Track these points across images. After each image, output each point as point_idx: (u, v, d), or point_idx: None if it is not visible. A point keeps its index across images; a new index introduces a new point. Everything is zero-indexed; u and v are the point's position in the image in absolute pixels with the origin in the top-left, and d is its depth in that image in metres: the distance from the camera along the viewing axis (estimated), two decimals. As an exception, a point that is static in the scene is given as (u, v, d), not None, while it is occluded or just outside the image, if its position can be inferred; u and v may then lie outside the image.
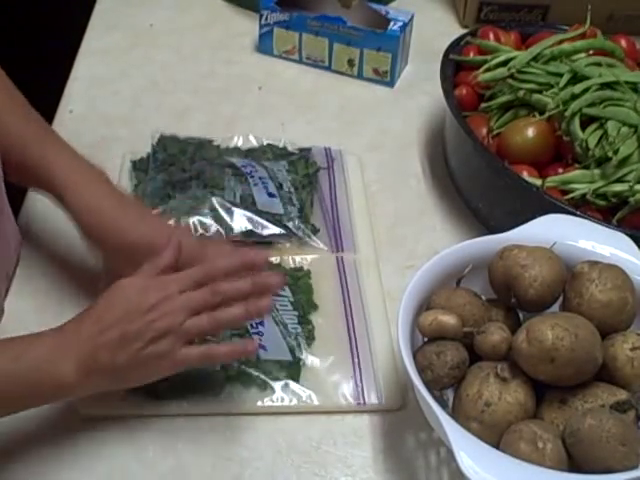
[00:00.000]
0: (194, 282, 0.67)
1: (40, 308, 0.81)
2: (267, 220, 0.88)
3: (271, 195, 0.90)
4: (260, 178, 0.91)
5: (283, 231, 0.88)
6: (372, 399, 0.75)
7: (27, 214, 0.91)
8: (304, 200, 0.92)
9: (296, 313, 0.81)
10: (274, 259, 0.87)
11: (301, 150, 1.00)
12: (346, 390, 0.75)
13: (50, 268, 0.86)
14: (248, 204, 0.89)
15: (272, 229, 0.88)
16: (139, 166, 0.96)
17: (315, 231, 0.90)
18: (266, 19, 1.17)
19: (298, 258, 0.87)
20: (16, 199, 0.84)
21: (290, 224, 0.88)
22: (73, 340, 0.64)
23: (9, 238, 0.80)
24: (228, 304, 0.67)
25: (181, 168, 0.93)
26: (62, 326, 0.67)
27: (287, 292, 0.82)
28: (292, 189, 0.92)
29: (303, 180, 0.95)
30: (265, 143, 1.00)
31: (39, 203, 0.90)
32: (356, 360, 0.78)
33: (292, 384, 0.75)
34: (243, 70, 1.17)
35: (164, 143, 0.97)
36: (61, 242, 0.88)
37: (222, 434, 0.73)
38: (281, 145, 1.00)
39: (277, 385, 0.75)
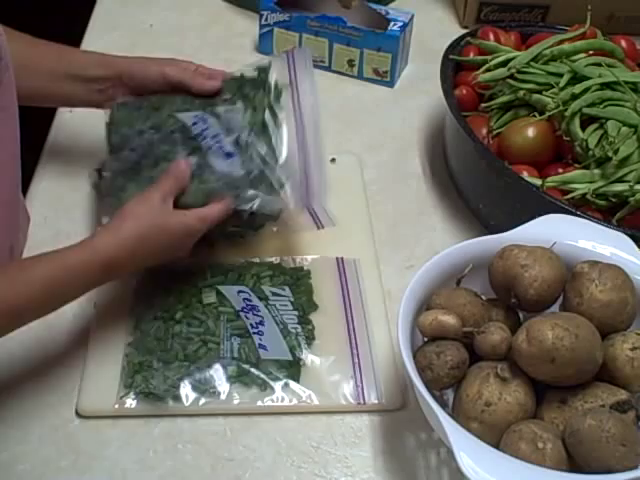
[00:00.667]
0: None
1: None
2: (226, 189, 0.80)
3: (229, 155, 0.83)
4: (214, 137, 0.83)
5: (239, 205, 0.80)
6: (372, 399, 0.75)
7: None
8: (267, 151, 0.82)
9: (296, 313, 0.81)
10: (274, 259, 0.87)
11: (260, 69, 0.88)
12: (346, 390, 0.75)
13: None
14: (204, 174, 0.81)
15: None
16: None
17: (281, 186, 0.82)
18: (266, 19, 1.17)
19: (298, 258, 0.87)
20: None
21: (249, 192, 0.80)
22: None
23: (20, 213, 0.83)
24: None
25: (130, 148, 0.84)
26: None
27: (287, 292, 0.83)
28: (253, 139, 0.83)
29: (263, 123, 0.84)
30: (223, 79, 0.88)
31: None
32: (356, 360, 0.78)
33: (292, 384, 0.75)
34: (243, 70, 1.17)
35: (116, 119, 0.87)
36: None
37: (222, 434, 0.73)
38: (237, 74, 0.89)
39: (277, 385, 0.75)
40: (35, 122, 1.02)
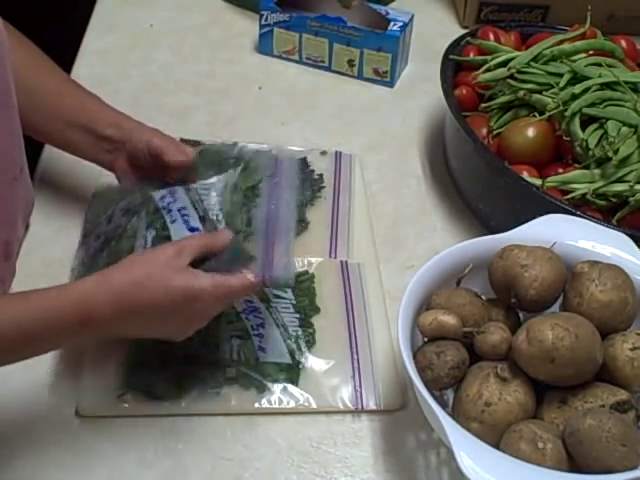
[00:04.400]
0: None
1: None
2: None
3: (193, 230, 0.74)
4: (180, 210, 0.75)
5: None
6: (370, 404, 0.75)
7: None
8: (237, 226, 0.77)
9: (297, 316, 0.81)
10: None
11: (241, 156, 0.84)
12: (345, 394, 0.75)
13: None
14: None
15: None
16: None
17: (249, 260, 0.72)
18: (266, 19, 1.17)
19: (305, 261, 0.87)
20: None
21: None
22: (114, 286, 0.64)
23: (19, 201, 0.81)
24: None
25: (95, 234, 0.78)
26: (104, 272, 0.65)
27: (290, 295, 0.82)
28: (221, 216, 0.76)
29: (236, 203, 0.79)
30: (200, 148, 0.85)
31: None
32: (356, 365, 0.78)
33: (290, 387, 0.75)
34: (243, 70, 1.17)
35: (92, 206, 0.83)
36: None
37: (222, 434, 0.73)
38: (216, 149, 0.85)
39: (275, 387, 0.75)
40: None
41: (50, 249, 0.87)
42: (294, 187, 0.85)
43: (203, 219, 0.75)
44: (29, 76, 0.82)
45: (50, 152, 0.96)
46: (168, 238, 0.72)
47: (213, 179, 0.79)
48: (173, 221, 0.74)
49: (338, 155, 1.01)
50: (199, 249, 0.67)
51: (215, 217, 0.75)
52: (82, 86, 0.86)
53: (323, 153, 1.01)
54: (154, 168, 0.80)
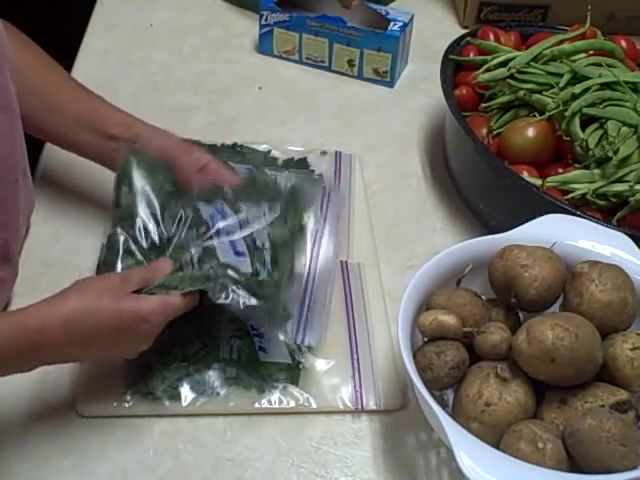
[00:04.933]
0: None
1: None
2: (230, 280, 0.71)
3: (239, 254, 0.74)
4: (227, 232, 0.76)
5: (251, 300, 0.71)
6: (370, 404, 0.75)
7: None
8: (282, 263, 0.76)
9: None
10: None
11: (293, 187, 0.82)
12: (345, 394, 0.75)
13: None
14: (207, 260, 0.73)
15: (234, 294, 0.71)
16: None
17: (286, 317, 0.75)
18: (266, 19, 1.17)
19: (304, 262, 0.86)
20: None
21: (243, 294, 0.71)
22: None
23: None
24: None
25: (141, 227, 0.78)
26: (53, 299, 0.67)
27: None
28: (268, 246, 0.76)
29: (284, 236, 0.78)
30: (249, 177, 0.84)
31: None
32: (356, 365, 0.78)
33: (290, 387, 0.75)
34: (243, 70, 1.17)
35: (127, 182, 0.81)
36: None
37: (222, 434, 0.73)
38: (270, 179, 0.83)
39: (276, 387, 0.75)
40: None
41: (50, 249, 0.87)
42: (335, 229, 0.88)
43: (250, 248, 0.75)
44: (38, 77, 0.83)
45: (50, 152, 0.97)
46: (214, 256, 0.73)
47: (264, 206, 0.78)
48: (220, 244, 0.75)
49: (338, 155, 1.01)
50: (140, 281, 0.69)
51: (262, 245, 0.75)
52: (86, 87, 0.86)
53: (323, 153, 1.01)
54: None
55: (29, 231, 0.88)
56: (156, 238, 0.77)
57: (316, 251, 0.85)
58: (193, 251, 0.74)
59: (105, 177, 0.85)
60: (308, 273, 0.83)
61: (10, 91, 0.73)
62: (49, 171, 0.96)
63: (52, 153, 0.96)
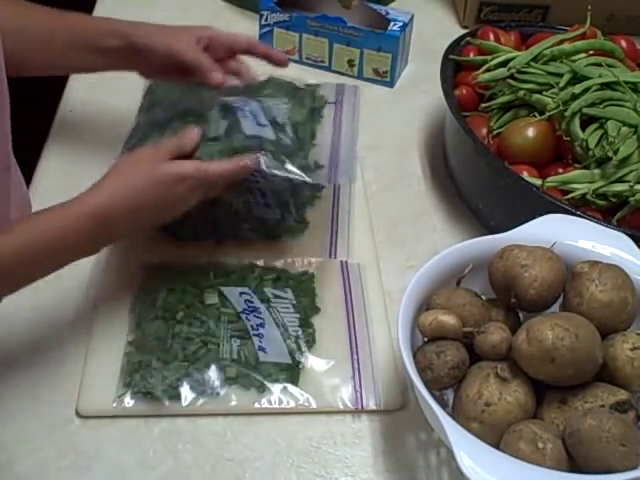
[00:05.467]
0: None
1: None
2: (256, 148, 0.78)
3: (260, 125, 0.81)
4: (250, 111, 0.82)
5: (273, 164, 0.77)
6: (370, 404, 0.75)
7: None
8: (303, 134, 0.84)
9: (298, 316, 0.81)
10: (278, 262, 0.87)
11: (309, 85, 0.92)
12: (345, 394, 0.75)
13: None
14: (232, 135, 0.79)
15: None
16: None
17: (318, 167, 0.83)
18: (266, 19, 1.17)
19: (303, 261, 0.87)
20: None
21: (282, 158, 0.78)
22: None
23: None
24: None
25: (163, 109, 0.86)
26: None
27: (290, 294, 0.82)
28: (288, 122, 0.83)
29: (303, 115, 0.86)
30: (266, 78, 0.91)
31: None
32: (356, 365, 0.77)
33: (290, 387, 0.75)
34: (243, 70, 1.17)
35: (153, 89, 0.92)
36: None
37: (222, 434, 0.73)
38: (287, 80, 0.91)
39: (275, 387, 0.75)
40: (36, 120, 1.03)
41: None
42: (354, 115, 0.92)
43: (275, 121, 0.81)
44: (15, 18, 0.82)
45: (51, 152, 0.97)
46: (240, 129, 0.79)
47: (283, 99, 0.85)
48: (244, 116, 0.81)
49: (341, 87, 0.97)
50: (173, 149, 0.75)
51: (282, 122, 0.82)
52: (82, 14, 0.88)
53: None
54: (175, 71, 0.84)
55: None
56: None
57: (337, 137, 0.88)
58: (220, 125, 0.79)
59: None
60: (332, 137, 0.88)
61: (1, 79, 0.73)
62: (50, 170, 0.96)
63: (53, 153, 0.96)
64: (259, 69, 0.91)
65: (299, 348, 0.78)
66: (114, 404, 0.73)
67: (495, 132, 0.95)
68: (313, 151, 0.84)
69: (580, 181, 0.86)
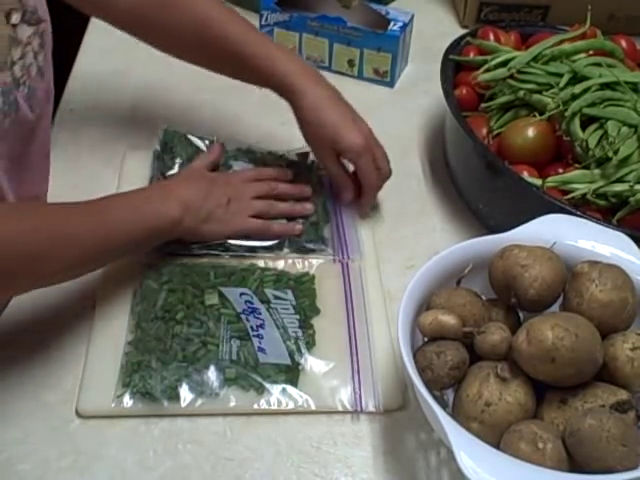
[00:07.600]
0: (253, 178, 0.91)
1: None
2: None
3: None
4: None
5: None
6: (370, 407, 0.74)
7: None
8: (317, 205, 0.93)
9: (297, 317, 0.80)
10: (279, 264, 0.86)
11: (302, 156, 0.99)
12: (344, 396, 0.75)
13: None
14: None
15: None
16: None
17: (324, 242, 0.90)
18: (266, 19, 1.17)
19: (304, 262, 0.87)
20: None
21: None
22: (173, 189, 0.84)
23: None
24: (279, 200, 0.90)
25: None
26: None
27: (290, 295, 0.82)
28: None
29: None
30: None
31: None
32: (355, 367, 0.77)
33: (290, 388, 0.75)
34: (243, 70, 1.17)
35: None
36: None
37: (222, 434, 0.73)
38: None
39: (274, 389, 0.74)
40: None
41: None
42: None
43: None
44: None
45: (50, 152, 0.96)
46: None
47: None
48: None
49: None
50: (208, 166, 0.93)
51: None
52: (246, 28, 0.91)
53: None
54: None
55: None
56: None
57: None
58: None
59: (110, 182, 0.85)
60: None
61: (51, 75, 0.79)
62: (51, 170, 0.96)
63: (55, 153, 0.96)
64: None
65: (299, 349, 0.78)
66: (113, 404, 0.73)
67: (495, 132, 0.95)
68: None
69: (580, 181, 0.86)
